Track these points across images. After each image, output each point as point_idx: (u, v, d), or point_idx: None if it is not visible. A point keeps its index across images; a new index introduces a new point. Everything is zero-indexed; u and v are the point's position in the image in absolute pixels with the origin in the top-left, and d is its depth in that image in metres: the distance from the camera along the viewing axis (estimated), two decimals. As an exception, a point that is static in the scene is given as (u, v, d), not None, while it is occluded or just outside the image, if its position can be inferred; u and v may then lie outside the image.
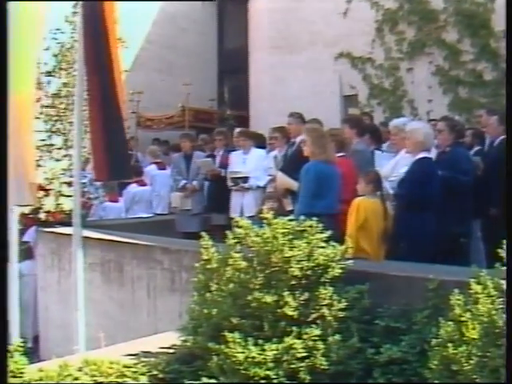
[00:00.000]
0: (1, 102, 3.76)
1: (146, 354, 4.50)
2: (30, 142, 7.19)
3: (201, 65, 16.25)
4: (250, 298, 3.98)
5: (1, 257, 3.31)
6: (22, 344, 3.27)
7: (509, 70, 4.50)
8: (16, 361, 3.17)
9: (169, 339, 4.68)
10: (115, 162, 6.88)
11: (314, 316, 4.01)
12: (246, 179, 8.94)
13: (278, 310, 3.95)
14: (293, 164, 7.30)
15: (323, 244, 4.20)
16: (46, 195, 9.37)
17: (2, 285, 3.34)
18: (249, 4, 14.16)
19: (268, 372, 3.82)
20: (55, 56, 14.15)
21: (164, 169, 11.21)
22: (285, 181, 7.14)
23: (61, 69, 13.76)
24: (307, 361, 3.87)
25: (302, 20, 13.08)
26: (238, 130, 10.09)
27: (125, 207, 10.98)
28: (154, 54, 15.91)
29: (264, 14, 13.74)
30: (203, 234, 4.37)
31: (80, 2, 7.42)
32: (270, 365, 3.84)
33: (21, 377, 3.17)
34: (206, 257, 4.25)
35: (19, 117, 6.94)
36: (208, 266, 4.24)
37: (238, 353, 3.84)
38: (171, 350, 4.52)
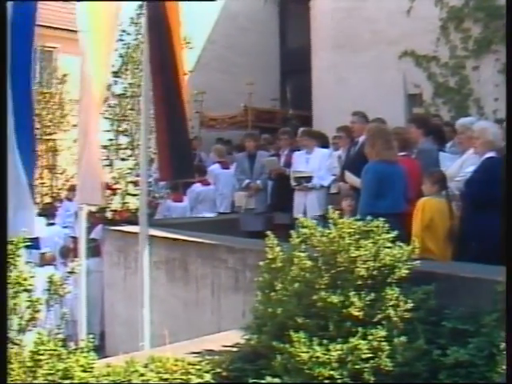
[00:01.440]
0: (1, 102, 3.79)
1: (210, 352, 4.51)
2: (98, 142, 7.33)
3: (263, 65, 16.27)
4: (315, 297, 3.97)
5: (1, 254, 3.34)
6: (92, 339, 3.32)
7: (509, 70, 4.42)
8: (86, 356, 3.22)
9: (232, 337, 4.69)
10: (178, 162, 6.94)
11: (379, 317, 3.97)
12: (309, 179, 8.94)
13: (344, 310, 3.92)
14: (355, 163, 7.28)
15: (389, 244, 4.16)
16: (113, 194, 9.53)
17: (2, 285, 3.38)
18: (310, 3, 14.11)
19: (332, 372, 3.79)
20: (121, 57, 14.38)
21: (228, 168, 11.28)
22: (350, 179, 7.14)
23: (126, 69, 13.96)
24: (372, 362, 3.83)
25: (365, 19, 12.98)
26: (301, 129, 10.09)
27: (189, 206, 11.10)
28: (216, 54, 16.01)
29: (326, 13, 13.68)
30: (268, 233, 4.37)
31: (145, 3, 7.52)
32: (335, 365, 3.81)
33: (91, 371, 3.22)
34: (270, 256, 4.25)
35: (89, 117, 7.09)
36: (273, 265, 4.24)
37: (303, 352, 3.83)
38: (235, 349, 4.52)
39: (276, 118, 15.50)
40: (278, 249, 4.26)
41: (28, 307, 2.98)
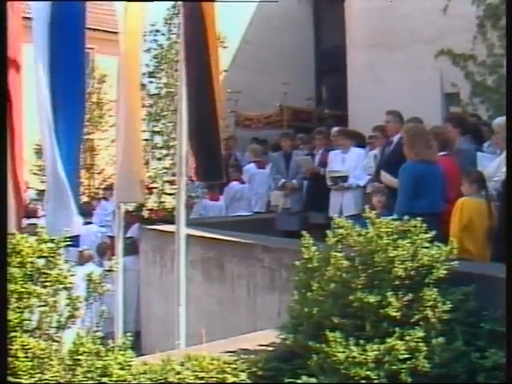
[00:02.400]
0: (1, 102, 3.81)
1: (246, 351, 4.52)
2: (138, 141, 7.39)
3: (298, 64, 16.24)
4: (351, 297, 3.96)
5: (1, 253, 3.36)
6: (130, 337, 3.35)
7: (509, 70, 4.35)
8: (124, 354, 3.25)
9: (268, 337, 4.70)
10: (208, 164, 6.97)
11: (417, 317, 3.95)
12: (345, 178, 8.91)
13: (381, 311, 3.91)
14: (390, 163, 7.25)
15: (427, 244, 4.14)
16: (150, 193, 9.59)
17: (2, 284, 3.41)
18: (345, 3, 14.06)
19: (369, 372, 3.78)
20: (155, 57, 14.47)
21: (263, 167, 11.28)
22: (386, 179, 7.11)
23: (161, 70, 14.05)
24: (409, 362, 3.81)
25: (400, 18, 12.89)
26: (337, 129, 10.07)
27: (225, 205, 11.13)
28: (251, 54, 16.02)
29: (361, 12, 13.61)
30: (304, 232, 4.37)
31: (179, 3, 7.56)
32: (371, 365, 3.80)
33: (128, 369, 3.25)
34: (306, 256, 4.25)
35: (127, 117, 7.15)
36: (309, 265, 4.23)
37: (339, 352, 3.82)
38: (270, 348, 4.52)
39: (311, 118, 15.45)
40: (314, 248, 4.26)
41: (67, 305, 3.01)
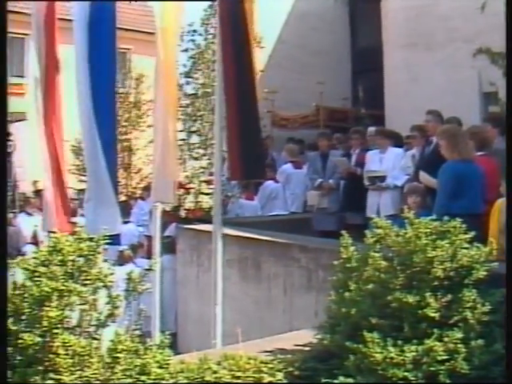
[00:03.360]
0: (1, 102, 3.84)
1: (282, 350, 4.52)
2: (173, 142, 7.43)
3: (334, 64, 16.18)
4: (390, 298, 3.93)
5: (1, 255, 3.37)
6: (168, 336, 3.37)
7: (509, 70, 4.28)
8: (162, 352, 3.27)
9: (304, 337, 4.70)
10: (249, 162, 6.97)
11: (456, 318, 3.91)
12: (382, 178, 8.87)
13: (419, 311, 3.88)
14: (430, 163, 7.18)
15: (467, 245, 4.10)
16: (187, 193, 9.65)
17: (2, 284, 3.42)
18: (382, 1, 13.97)
19: (406, 373, 3.76)
20: (192, 58, 14.52)
21: (300, 168, 11.26)
22: (425, 179, 7.06)
23: (198, 70, 14.10)
24: (447, 364, 3.78)
25: (438, 17, 12.76)
26: (374, 128, 10.01)
27: (260, 204, 11.13)
28: (287, 53, 15.99)
29: (398, 11, 13.51)
30: (343, 232, 4.35)
31: (216, 3, 7.58)
32: (409, 366, 3.78)
33: (166, 368, 3.27)
34: (345, 256, 4.24)
35: (164, 117, 7.20)
36: (347, 265, 4.22)
37: (377, 353, 3.80)
38: (307, 348, 4.52)
39: (348, 118, 15.38)
40: (352, 248, 4.24)
41: (107, 303, 3.04)
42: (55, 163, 7.86)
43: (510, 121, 4.26)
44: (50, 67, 7.88)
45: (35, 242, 11.50)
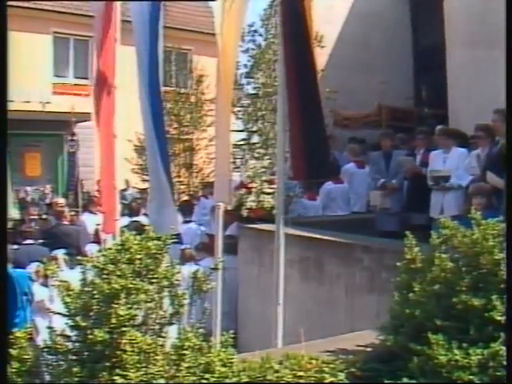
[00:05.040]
0: (1, 102, 3.87)
1: (344, 351, 4.50)
2: (228, 142, 7.49)
3: (395, 63, 16.05)
4: (455, 299, 3.87)
5: (1, 253, 3.38)
6: (232, 335, 3.39)
7: (509, 70, 4.13)
8: (226, 351, 3.30)
9: (366, 337, 4.67)
10: (313, 162, 6.97)
11: (523, 322, 3.83)
12: (446, 178, 8.77)
13: (485, 314, 3.81)
14: (498, 163, 7.07)
15: (536, 247, 4.01)
16: (248, 193, 9.69)
17: (2, 284, 3.44)
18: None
19: (472, 377, 3.69)
20: (253, 58, 14.58)
21: (363, 167, 11.22)
22: (493, 179, 6.96)
23: (259, 70, 14.14)
24: (514, 369, 3.71)
25: (502, 14, 12.50)
26: (438, 128, 9.90)
27: (321, 204, 11.12)
28: (347, 53, 15.94)
29: (461, 8, 13.30)
30: (407, 233, 4.31)
31: (277, 2, 7.59)
32: (475, 370, 3.71)
33: (230, 367, 3.29)
34: (409, 256, 4.19)
35: (222, 117, 7.26)
36: (412, 266, 4.18)
37: (441, 355, 3.75)
38: (369, 349, 4.49)
39: (410, 117, 15.24)
40: (416, 249, 4.20)
41: (172, 301, 3.08)
42: (107, 163, 8.00)
43: (510, 120, 4.16)
44: (108, 67, 8.02)
45: (97, 240, 11.71)
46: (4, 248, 3.37)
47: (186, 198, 15.90)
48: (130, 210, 13.74)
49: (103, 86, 7.91)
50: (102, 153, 7.94)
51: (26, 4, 23.33)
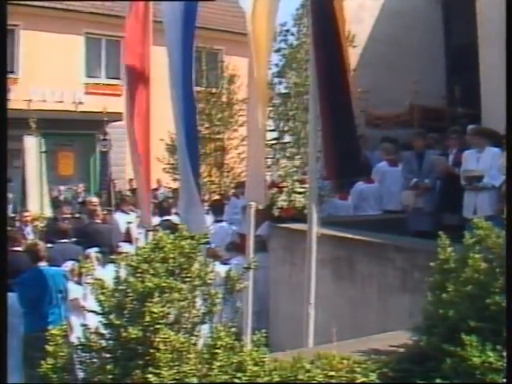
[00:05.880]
0: (1, 101, 3.87)
1: (376, 351, 4.48)
2: (262, 142, 7.49)
3: (428, 62, 15.93)
4: (489, 300, 3.84)
5: (1, 253, 3.38)
6: (264, 334, 3.40)
7: (509, 68, 4.06)
8: (258, 350, 3.30)
9: (399, 338, 4.63)
10: (344, 161, 6.95)
11: (559, 324, 3.79)
12: (480, 178, 8.70)
13: (520, 316, 3.78)
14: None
15: None
16: (279, 192, 9.70)
17: (2, 283, 3.44)
18: (477, -2, 13.65)
19: (505, 380, 3.66)
20: (285, 57, 14.58)
21: (396, 166, 11.18)
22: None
23: (291, 69, 14.14)
24: (550, 372, 3.66)
25: (535, 12, 12.35)
26: (471, 127, 9.83)
27: (353, 204, 11.09)
28: (379, 52, 15.87)
29: (493, 7, 13.16)
30: (440, 233, 4.28)
31: (308, 2, 7.57)
32: (509, 372, 3.68)
33: (262, 366, 3.29)
34: (442, 256, 4.16)
35: (253, 118, 7.26)
36: (445, 266, 4.15)
37: (475, 356, 3.71)
38: (401, 349, 4.46)
39: (442, 117, 15.12)
40: (450, 249, 4.17)
41: (205, 300, 3.09)
42: (144, 162, 8.07)
43: (510, 120, 4.12)
44: (142, 67, 8.07)
45: (129, 239, 11.80)
46: (4, 245, 3.40)
47: (216, 197, 15.97)
48: (161, 209, 13.83)
49: (138, 84, 7.97)
50: (138, 151, 8.00)
51: (58, 5, 23.60)
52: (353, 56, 14.81)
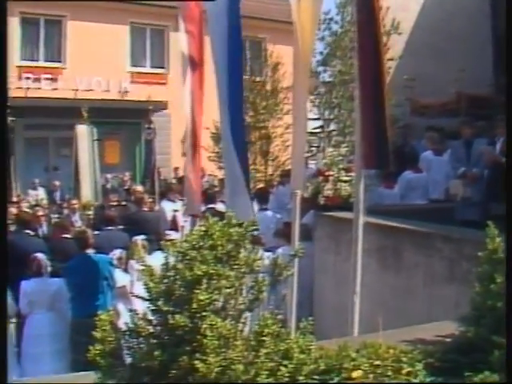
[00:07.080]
0: (1, 101, 3.85)
1: (422, 341, 4.45)
2: (303, 131, 7.47)
3: (474, 50, 15.70)
4: (539, 291, 3.79)
5: (1, 253, 3.37)
6: (311, 322, 3.40)
7: (508, 67, 3.91)
8: (304, 337, 3.31)
9: (445, 328, 4.60)
10: (376, 151, 6.88)
11: None
12: (528, 167, 8.55)
13: None
14: None
15: None
16: (325, 180, 9.66)
17: (2, 283, 3.43)
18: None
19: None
20: (329, 45, 14.50)
21: (441, 155, 11.07)
22: None
23: (335, 57, 14.06)
24: None
25: None
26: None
27: (400, 194, 11.02)
28: (424, 39, 15.70)
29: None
30: (489, 223, 4.23)
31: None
32: (559, 365, 3.62)
33: (308, 354, 3.30)
34: (491, 247, 4.11)
35: (298, 106, 7.25)
36: (493, 256, 4.10)
37: (523, 349, 3.67)
38: (448, 339, 4.42)
39: (490, 105, 14.87)
40: (499, 239, 4.11)
41: (252, 287, 3.10)
42: (195, 150, 8.11)
43: (510, 120, 4.01)
44: (194, 60, 8.11)
45: (175, 227, 11.88)
46: (4, 245, 3.43)
47: (261, 185, 15.97)
48: (206, 197, 13.89)
49: (196, 74, 8.03)
50: (190, 139, 8.06)
51: (103, -5, 23.87)
52: (398, 44, 14.68)
